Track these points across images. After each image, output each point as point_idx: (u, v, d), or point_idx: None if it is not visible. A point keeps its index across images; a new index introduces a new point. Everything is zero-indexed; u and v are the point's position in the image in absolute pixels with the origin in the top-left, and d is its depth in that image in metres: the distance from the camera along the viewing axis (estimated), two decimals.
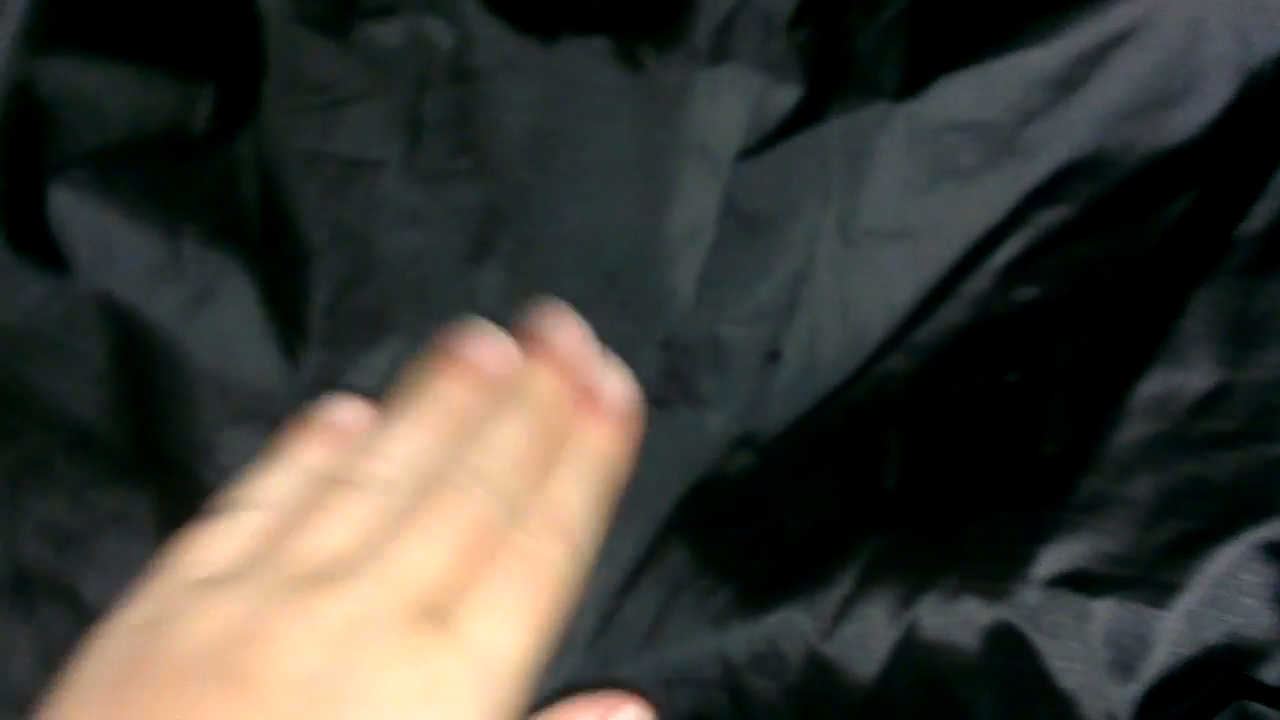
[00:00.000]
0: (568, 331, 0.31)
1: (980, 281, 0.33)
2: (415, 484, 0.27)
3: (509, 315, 0.35)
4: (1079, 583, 0.27)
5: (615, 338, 0.34)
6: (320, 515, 0.26)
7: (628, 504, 0.33)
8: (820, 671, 0.28)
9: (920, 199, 0.33)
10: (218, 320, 0.34)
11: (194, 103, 0.35)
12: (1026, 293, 0.32)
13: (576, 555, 0.28)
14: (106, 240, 0.33)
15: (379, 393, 0.33)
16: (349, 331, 0.35)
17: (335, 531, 0.26)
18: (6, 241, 0.32)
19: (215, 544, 0.27)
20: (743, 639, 0.30)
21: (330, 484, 0.27)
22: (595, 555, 0.30)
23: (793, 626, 0.29)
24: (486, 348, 0.31)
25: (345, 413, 0.30)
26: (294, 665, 0.23)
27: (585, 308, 0.35)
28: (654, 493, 0.33)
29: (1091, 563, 0.28)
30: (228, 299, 0.34)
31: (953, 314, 0.33)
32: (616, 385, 0.31)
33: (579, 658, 0.32)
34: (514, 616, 0.26)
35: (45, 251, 0.32)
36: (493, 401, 0.29)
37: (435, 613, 0.25)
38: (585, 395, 0.30)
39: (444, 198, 0.36)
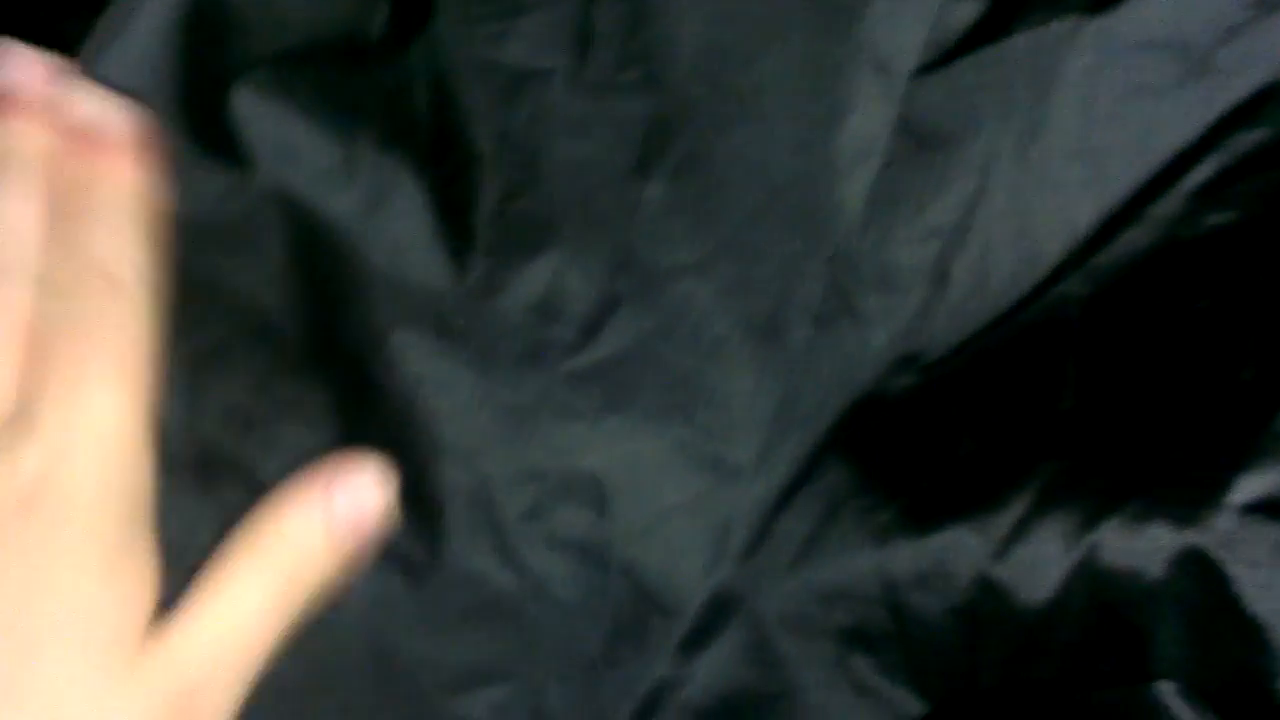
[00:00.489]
0: (30, 72, 0.27)
1: (1169, 205, 0.31)
2: None
3: (674, 229, 0.35)
4: (1275, 509, 0.26)
5: (781, 253, 0.34)
6: None
7: (785, 420, 0.33)
8: (989, 593, 0.28)
9: (1108, 118, 0.32)
10: (389, 223, 0.34)
11: (370, 10, 0.35)
12: (1219, 218, 0.31)
13: (133, 300, 0.26)
14: (285, 141, 0.33)
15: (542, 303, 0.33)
16: (513, 239, 0.35)
17: None
18: (191, 137, 0.32)
19: None
20: (907, 557, 0.29)
21: None
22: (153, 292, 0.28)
23: (961, 546, 0.28)
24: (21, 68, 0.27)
25: None
26: None
27: (751, 222, 0.34)
28: (813, 410, 0.33)
29: None
30: (399, 203, 0.34)
31: (1138, 238, 0.31)
32: (109, 115, 0.27)
33: (731, 569, 0.32)
34: (93, 390, 0.25)
35: (227, 148, 0.33)
36: None
37: (15, 419, 0.24)
38: (78, 136, 0.27)
39: (610, 109, 0.36)
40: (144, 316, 0.27)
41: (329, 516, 0.28)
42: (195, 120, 0.32)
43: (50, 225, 0.26)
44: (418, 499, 0.31)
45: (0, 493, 0.24)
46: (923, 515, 0.29)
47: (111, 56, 0.31)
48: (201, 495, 0.29)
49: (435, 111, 0.36)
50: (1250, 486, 0.26)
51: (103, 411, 0.25)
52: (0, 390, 0.25)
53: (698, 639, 0.32)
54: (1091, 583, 0.27)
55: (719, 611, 0.32)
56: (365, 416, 0.31)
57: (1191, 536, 0.26)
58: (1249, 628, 0.25)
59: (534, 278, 0.34)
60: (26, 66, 0.27)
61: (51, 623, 0.24)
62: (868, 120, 0.34)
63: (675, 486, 0.32)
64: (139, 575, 0.26)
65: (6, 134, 0.26)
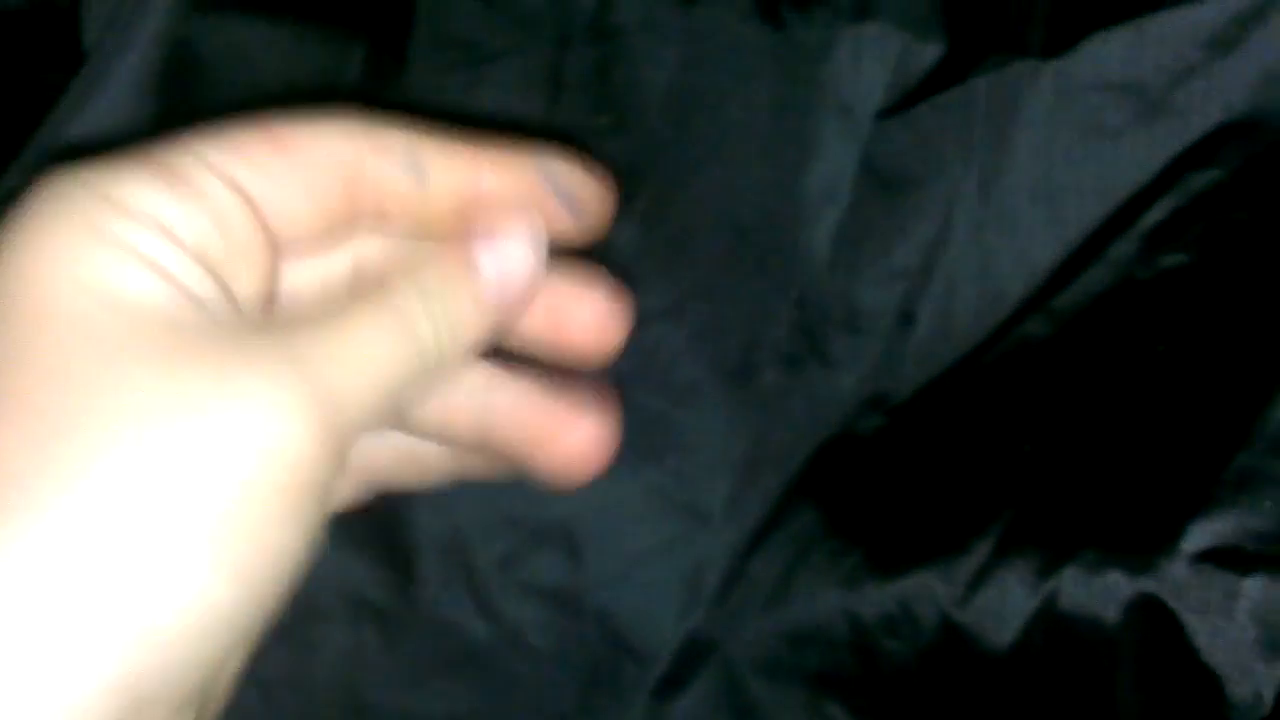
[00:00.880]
0: None
1: (1126, 245, 0.31)
2: None
3: (644, 273, 0.35)
4: (1228, 559, 0.26)
5: (749, 296, 0.34)
6: None
7: (756, 462, 0.33)
8: (954, 637, 0.28)
9: (1066, 159, 0.32)
10: None
11: (345, 60, 0.35)
12: (1175, 259, 0.31)
13: None
14: None
15: None
16: None
17: None
18: None
19: None
20: (874, 600, 0.29)
21: None
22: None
23: (927, 591, 0.28)
24: None
25: None
26: None
27: (720, 266, 0.35)
28: (783, 452, 0.33)
29: (1242, 539, 0.27)
30: None
31: (1096, 278, 0.31)
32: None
33: (704, 612, 0.32)
34: None
35: None
36: None
37: None
38: None
39: (581, 153, 0.36)
40: None
41: (474, 280, 0.23)
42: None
43: None
44: (390, 548, 0.31)
45: None
46: (890, 559, 0.30)
47: (90, 107, 0.31)
48: None
49: None
50: (1202, 534, 0.26)
51: None
52: None
53: (672, 685, 0.32)
54: (1053, 628, 0.27)
55: (692, 657, 0.32)
56: None
57: (1146, 584, 0.26)
58: (1204, 676, 0.25)
59: None
60: None
61: None
62: (833, 163, 0.34)
63: (648, 531, 0.33)
64: None
65: None
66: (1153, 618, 0.26)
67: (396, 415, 0.22)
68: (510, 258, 0.23)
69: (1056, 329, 0.31)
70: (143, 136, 0.31)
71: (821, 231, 0.34)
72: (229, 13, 0.33)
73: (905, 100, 0.34)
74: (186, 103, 0.33)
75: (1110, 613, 0.26)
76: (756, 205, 0.35)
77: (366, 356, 0.20)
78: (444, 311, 0.22)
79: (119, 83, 0.31)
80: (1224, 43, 0.31)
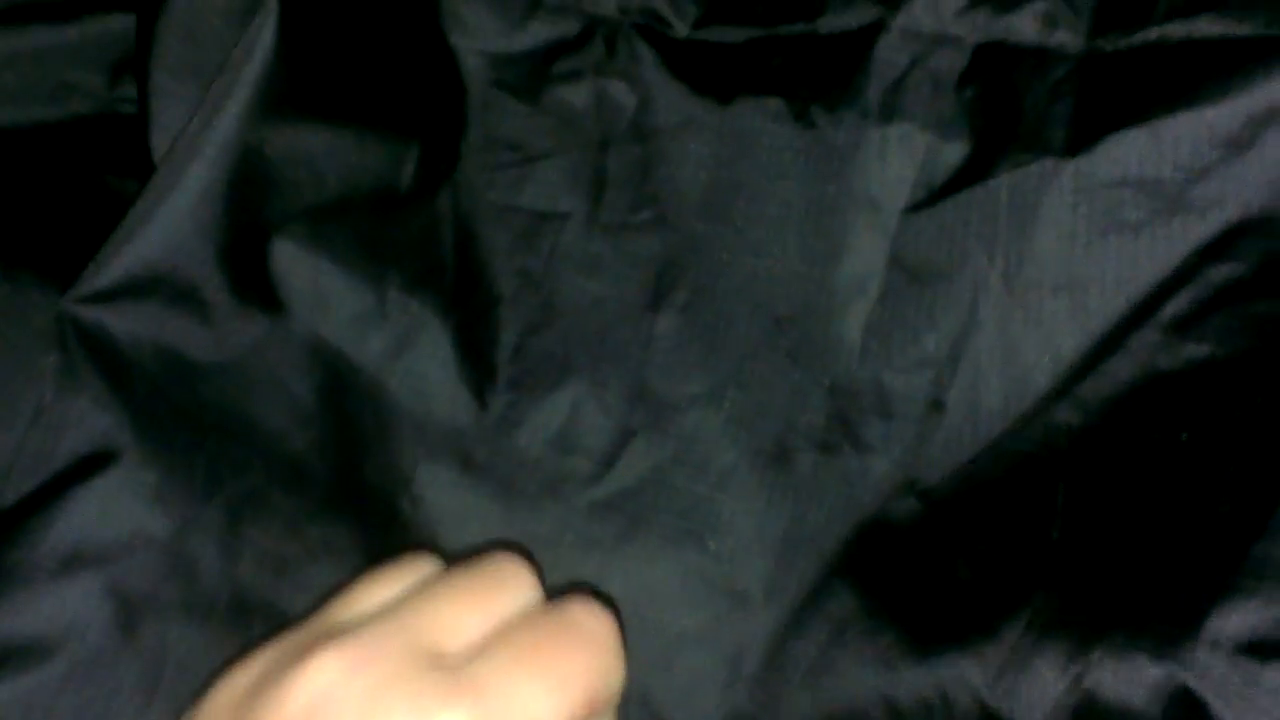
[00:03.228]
0: None
1: (1148, 336, 0.31)
2: None
3: (684, 362, 0.35)
4: (1253, 648, 0.26)
5: (785, 383, 0.35)
6: None
7: (793, 544, 0.33)
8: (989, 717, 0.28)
9: (1087, 252, 0.32)
10: (416, 363, 0.35)
11: (402, 161, 0.36)
12: (1197, 350, 0.31)
13: None
14: (320, 288, 0.34)
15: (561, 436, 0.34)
16: (533, 374, 0.36)
17: None
18: (231, 288, 0.33)
19: None
20: (910, 684, 0.29)
21: None
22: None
23: (962, 674, 0.28)
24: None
25: None
26: None
27: (756, 354, 0.35)
28: (820, 535, 0.33)
29: (1267, 628, 0.26)
30: (426, 343, 0.35)
31: (1120, 368, 0.32)
32: None
33: (744, 692, 0.32)
34: None
35: (265, 296, 0.34)
36: None
37: None
38: None
39: (624, 248, 0.37)
40: None
41: None
42: (237, 271, 0.33)
43: None
44: None
45: None
46: (925, 641, 0.29)
47: (162, 212, 0.32)
48: (234, 637, 0.29)
49: (459, 254, 0.37)
50: (1226, 622, 0.26)
51: None
52: None
53: None
54: (1082, 713, 0.27)
55: None
56: (392, 552, 0.31)
57: (1171, 669, 0.26)
58: None
59: (553, 412, 0.35)
60: None
61: None
62: (863, 255, 0.35)
63: (689, 613, 0.33)
64: None
65: None
66: (1181, 705, 0.26)
67: None
68: None
69: (1082, 417, 0.32)
70: (212, 240, 0.32)
71: (853, 321, 0.34)
72: (294, 119, 0.34)
73: (931, 197, 0.34)
74: (254, 207, 0.34)
75: (1140, 699, 0.26)
76: (790, 296, 0.35)
77: None
78: None
79: (189, 189, 0.32)
80: (1239, 143, 0.31)
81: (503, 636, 0.25)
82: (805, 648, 0.31)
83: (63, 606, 0.29)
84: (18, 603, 0.29)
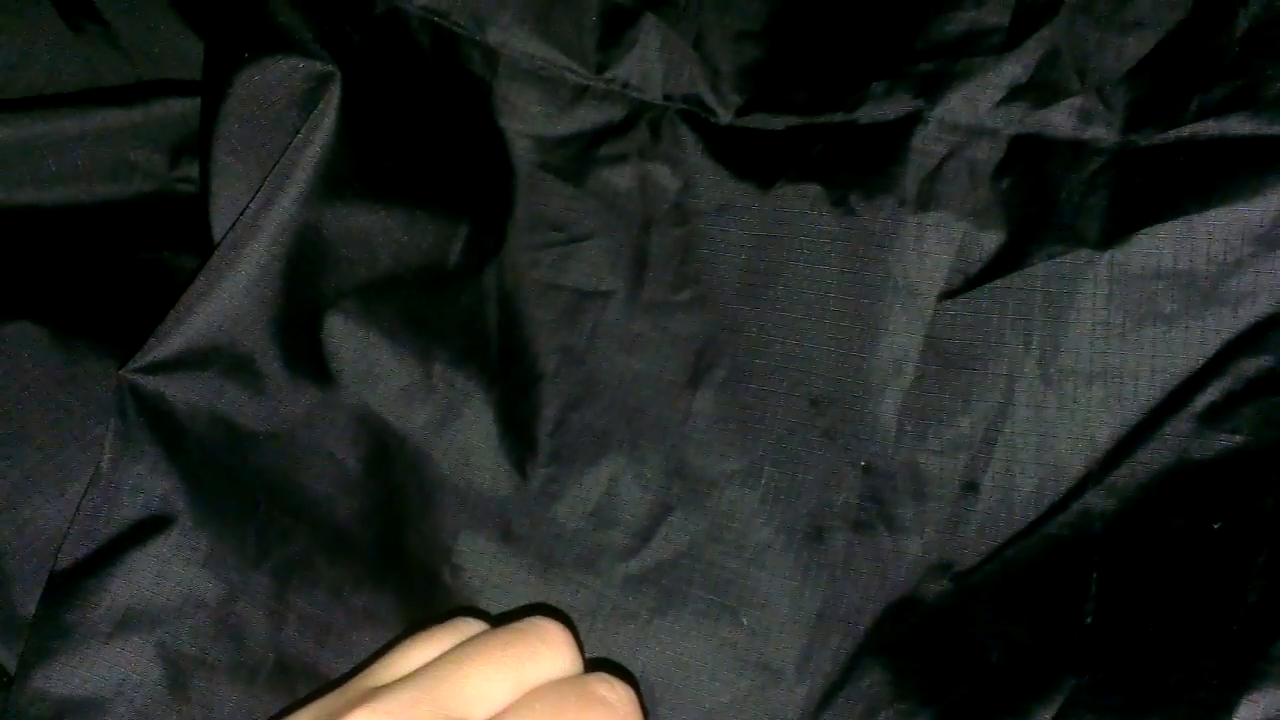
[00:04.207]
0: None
1: (1181, 425, 0.32)
2: None
3: (721, 439, 0.36)
4: None
5: (819, 462, 0.35)
6: None
7: (826, 621, 0.34)
8: None
9: (1121, 342, 0.33)
10: (460, 435, 0.36)
11: (450, 240, 0.38)
12: (1229, 440, 0.31)
13: None
14: (369, 361, 0.35)
15: (599, 509, 0.34)
16: (573, 448, 0.36)
17: None
18: (284, 360, 0.34)
19: None
20: None
21: None
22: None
23: None
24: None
25: None
26: None
27: (792, 433, 0.36)
28: (853, 613, 0.33)
29: None
30: (470, 416, 0.36)
31: (1154, 456, 0.32)
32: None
33: None
34: None
35: (316, 369, 0.35)
36: None
37: None
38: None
39: (664, 327, 0.37)
40: None
41: None
42: (291, 344, 0.34)
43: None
44: None
45: None
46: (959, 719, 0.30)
47: (222, 288, 0.33)
48: (277, 700, 0.30)
49: (504, 330, 0.38)
50: (1253, 709, 0.26)
51: None
52: None
53: None
54: None
55: None
56: (433, 620, 0.32)
57: None
58: None
59: (592, 485, 0.36)
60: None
61: None
62: (899, 339, 0.35)
63: (722, 687, 0.33)
64: None
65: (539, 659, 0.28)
66: None
67: None
68: None
69: (1116, 503, 0.32)
70: (268, 313, 0.33)
71: (888, 404, 0.35)
72: (351, 199, 0.35)
73: (967, 284, 0.35)
74: (309, 282, 0.35)
75: None
76: (827, 377, 0.36)
77: None
78: None
79: (248, 266, 0.33)
80: (1270, 238, 0.32)
81: (526, 704, 0.26)
82: None
83: (116, 667, 0.29)
84: (74, 662, 0.30)
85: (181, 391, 0.32)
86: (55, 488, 0.33)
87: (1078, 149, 0.34)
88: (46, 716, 0.29)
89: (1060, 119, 0.34)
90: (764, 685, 0.33)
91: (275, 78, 0.35)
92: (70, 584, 0.30)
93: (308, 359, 0.35)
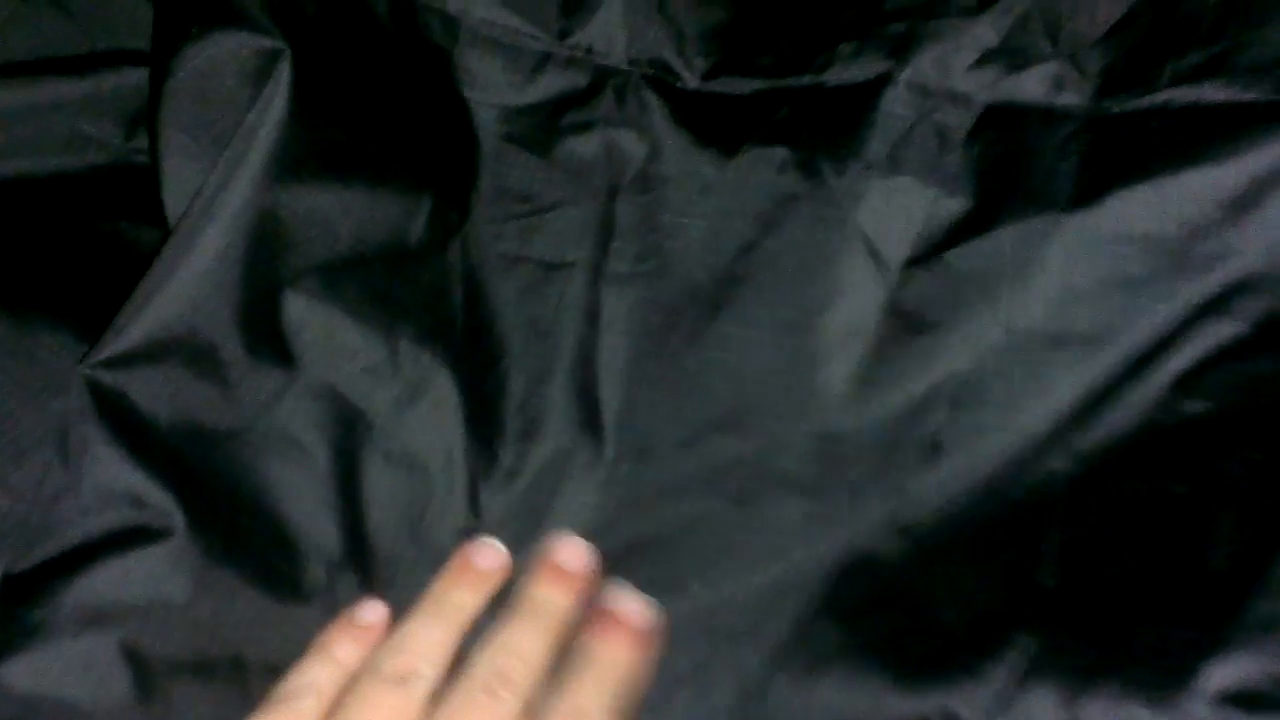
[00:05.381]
0: (578, 558, 0.32)
1: (1147, 390, 0.32)
2: (436, 676, 0.29)
3: (669, 409, 0.35)
4: (1247, 701, 0.26)
5: (772, 426, 0.35)
6: (360, 705, 0.28)
7: (780, 585, 0.33)
8: None
9: (1088, 306, 0.33)
10: (426, 414, 0.35)
11: (413, 215, 0.37)
12: (1195, 405, 0.31)
13: None
14: (333, 342, 0.35)
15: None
16: (540, 425, 0.36)
17: None
18: (247, 345, 0.34)
19: None
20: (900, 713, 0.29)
21: (366, 675, 0.29)
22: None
23: (949, 715, 0.28)
24: (490, 558, 0.32)
25: (371, 614, 0.31)
26: None
27: (747, 395, 0.35)
28: (807, 574, 0.33)
29: (1261, 684, 0.27)
30: (436, 395, 0.35)
31: (1118, 420, 0.32)
32: (631, 605, 0.31)
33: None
34: None
35: (279, 351, 0.34)
36: (504, 609, 0.31)
37: None
38: (599, 612, 0.31)
39: (627, 298, 0.37)
40: None
41: None
42: (253, 328, 0.34)
43: (551, 669, 0.30)
44: None
45: None
46: (909, 678, 0.30)
47: (179, 276, 0.33)
48: (235, 695, 0.30)
49: (469, 305, 0.37)
50: (1220, 675, 0.26)
51: None
52: None
53: None
54: None
55: None
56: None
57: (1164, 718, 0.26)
58: None
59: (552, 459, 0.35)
60: (577, 553, 0.32)
61: None
62: (858, 305, 0.35)
63: (680, 655, 0.33)
64: None
65: (546, 594, 0.31)
66: None
67: None
68: None
69: (1079, 466, 0.32)
70: (227, 298, 0.33)
71: (840, 370, 0.34)
72: (308, 179, 0.34)
73: (934, 249, 0.34)
74: (268, 265, 0.34)
75: None
76: (783, 343, 0.35)
77: None
78: None
79: (205, 253, 0.33)
80: (1242, 203, 0.32)
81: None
82: (791, 683, 0.32)
83: (83, 665, 0.29)
84: (40, 659, 0.29)
85: (142, 386, 0.32)
86: (13, 462, 0.32)
87: (1049, 115, 0.34)
88: (12, 714, 0.29)
89: (1032, 85, 0.34)
90: (719, 650, 0.33)
91: (224, 53, 0.34)
92: (35, 584, 0.30)
93: (270, 343, 0.34)
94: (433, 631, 0.30)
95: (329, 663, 0.29)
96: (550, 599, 0.31)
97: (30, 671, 0.29)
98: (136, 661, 0.30)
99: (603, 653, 0.30)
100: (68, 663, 0.29)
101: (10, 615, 0.30)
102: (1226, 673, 0.27)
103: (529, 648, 0.30)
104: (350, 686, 0.29)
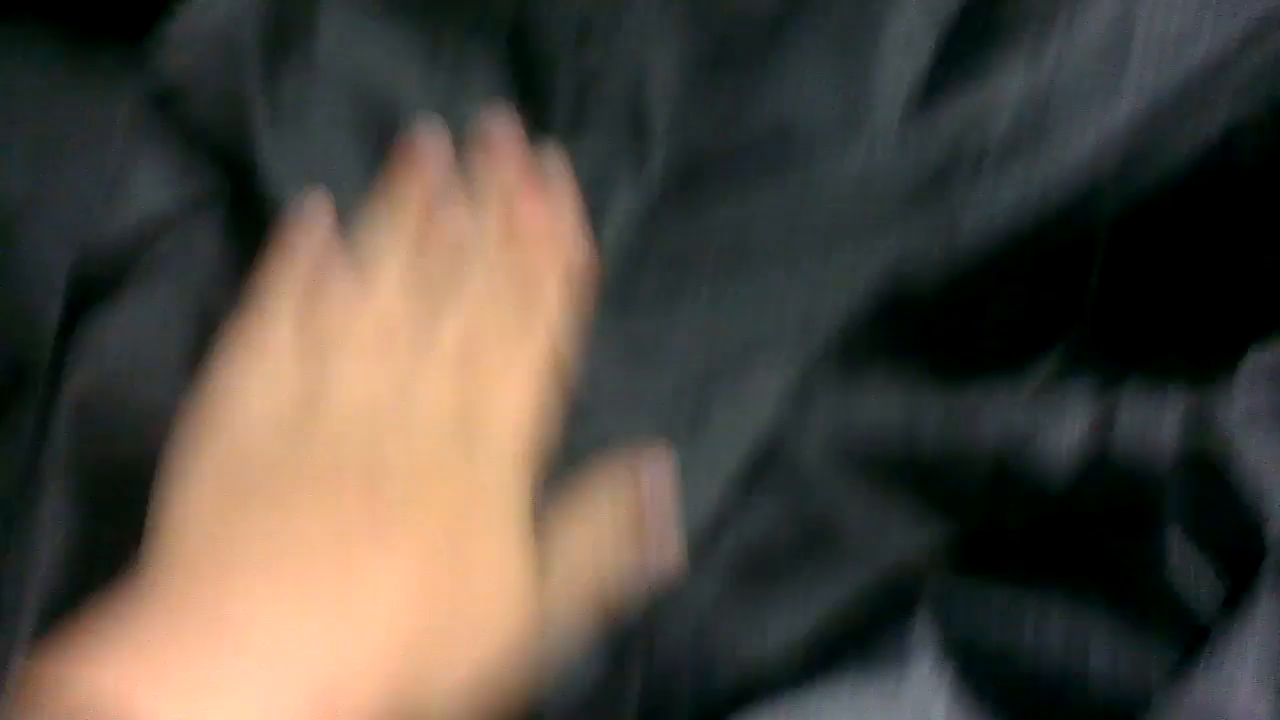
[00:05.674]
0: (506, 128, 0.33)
1: (1208, 105, 0.32)
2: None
3: (733, 119, 0.35)
4: None
5: (825, 139, 0.34)
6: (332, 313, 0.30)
7: (825, 290, 0.34)
8: (1015, 443, 0.29)
9: (1144, 22, 0.32)
10: (469, 108, 0.35)
11: None
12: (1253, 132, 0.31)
13: (552, 336, 0.31)
14: (371, 33, 0.35)
15: None
16: (587, 125, 0.36)
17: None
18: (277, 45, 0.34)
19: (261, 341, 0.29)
20: (933, 416, 0.30)
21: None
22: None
23: (985, 410, 0.29)
24: (435, 148, 0.33)
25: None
26: None
27: (800, 111, 0.35)
28: (853, 280, 0.34)
29: None
30: (480, 88, 0.35)
31: (1175, 137, 0.32)
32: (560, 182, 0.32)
33: (774, 420, 0.33)
34: (519, 416, 0.30)
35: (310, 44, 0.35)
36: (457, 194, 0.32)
37: (464, 431, 0.29)
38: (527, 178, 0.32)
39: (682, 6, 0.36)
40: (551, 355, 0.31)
41: None
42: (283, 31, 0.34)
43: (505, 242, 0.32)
44: None
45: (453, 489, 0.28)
46: (952, 374, 0.31)
47: None
48: None
49: (520, 3, 0.36)
50: (1266, 358, 0.27)
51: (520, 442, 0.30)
52: (454, 392, 0.30)
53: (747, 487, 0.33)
54: (1109, 444, 0.28)
55: (765, 458, 0.33)
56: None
57: (1205, 398, 0.27)
58: (1246, 475, 0.27)
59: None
60: (505, 123, 0.33)
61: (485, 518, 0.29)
62: (919, 12, 0.34)
63: (724, 363, 0.33)
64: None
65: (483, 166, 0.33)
66: (1202, 470, 0.27)
67: None
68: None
69: (1133, 185, 0.32)
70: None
71: (899, 73, 0.34)
72: None
73: None
74: None
75: (1169, 429, 0.28)
76: (835, 58, 0.35)
77: None
78: None
79: None
80: None
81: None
82: (833, 376, 0.33)
83: (159, 322, 0.31)
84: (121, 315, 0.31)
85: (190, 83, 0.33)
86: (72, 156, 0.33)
87: None
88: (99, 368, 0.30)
89: None
90: (762, 354, 0.34)
91: None
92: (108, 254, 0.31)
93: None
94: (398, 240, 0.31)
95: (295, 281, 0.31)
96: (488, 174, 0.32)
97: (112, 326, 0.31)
98: (203, 319, 0.31)
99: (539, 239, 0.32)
100: (145, 318, 0.31)
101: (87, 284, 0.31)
102: (1270, 357, 0.28)
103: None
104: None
